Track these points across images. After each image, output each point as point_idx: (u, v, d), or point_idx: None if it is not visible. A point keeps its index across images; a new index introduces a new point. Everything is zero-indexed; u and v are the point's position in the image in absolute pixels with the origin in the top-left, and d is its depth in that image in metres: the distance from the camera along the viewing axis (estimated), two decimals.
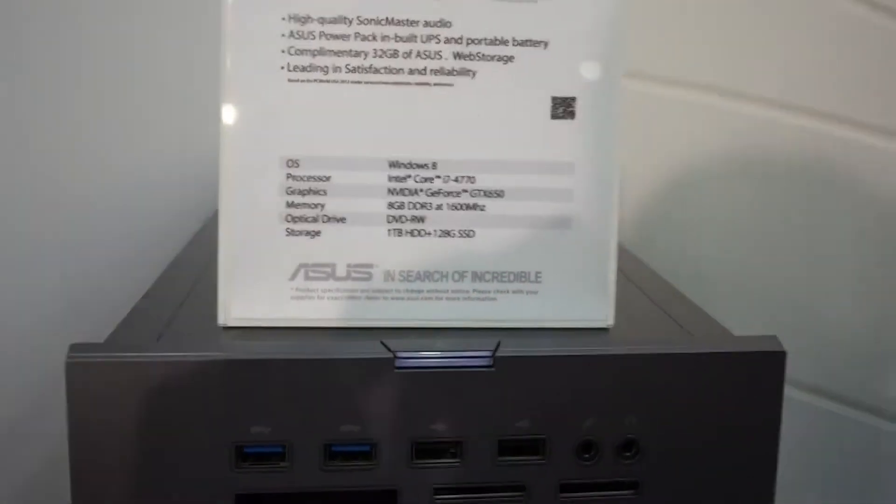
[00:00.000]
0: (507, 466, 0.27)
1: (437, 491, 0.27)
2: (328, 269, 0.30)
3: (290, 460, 0.26)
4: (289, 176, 0.29)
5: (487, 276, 0.30)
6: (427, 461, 0.27)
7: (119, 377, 0.25)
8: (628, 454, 0.27)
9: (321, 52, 0.29)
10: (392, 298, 0.30)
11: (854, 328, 0.61)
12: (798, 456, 0.61)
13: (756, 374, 0.28)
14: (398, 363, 0.26)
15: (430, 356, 0.27)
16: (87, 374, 0.25)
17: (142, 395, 0.25)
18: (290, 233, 0.30)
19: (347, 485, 0.27)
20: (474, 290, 0.30)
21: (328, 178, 0.29)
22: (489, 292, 0.30)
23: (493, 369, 0.27)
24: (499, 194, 0.30)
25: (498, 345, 0.27)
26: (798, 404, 0.61)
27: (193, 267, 0.36)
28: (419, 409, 0.27)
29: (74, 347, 0.26)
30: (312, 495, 0.27)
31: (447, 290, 0.30)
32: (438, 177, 0.30)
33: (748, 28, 0.58)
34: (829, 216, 0.60)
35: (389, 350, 0.26)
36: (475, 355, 0.27)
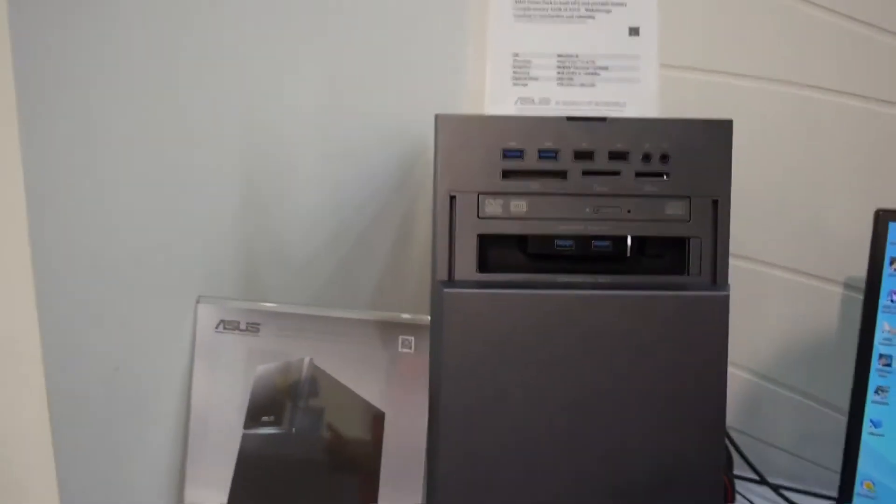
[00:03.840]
0: (615, 162, 0.63)
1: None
2: (532, 99, 0.68)
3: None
4: (514, 61, 0.68)
5: (601, 104, 0.68)
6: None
7: None
8: (665, 159, 0.63)
9: (528, 9, 0.69)
10: (558, 113, 0.68)
11: None
12: None
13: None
14: (569, 119, 0.64)
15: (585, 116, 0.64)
16: None
17: None
18: (515, 84, 0.68)
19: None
20: (597, 109, 0.68)
21: (530, 62, 0.68)
22: (602, 110, 0.68)
23: (605, 122, 0.64)
24: (605, 69, 0.68)
25: (605, 118, 0.64)
26: None
27: None
28: (579, 134, 0.63)
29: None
30: None
31: (584, 108, 0.68)
32: (579, 60, 0.68)
33: None
34: None
35: (570, 119, 0.64)
36: (600, 117, 0.64)
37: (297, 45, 0.82)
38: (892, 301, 0.76)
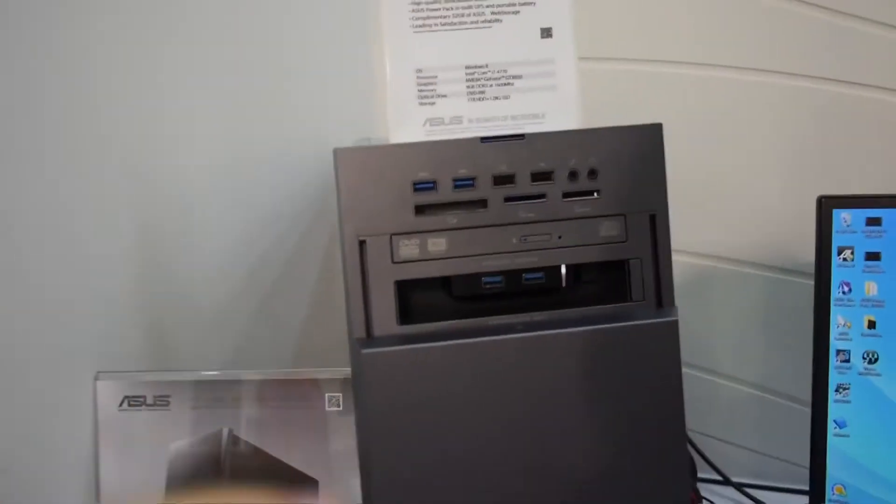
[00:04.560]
0: (539, 184, 0.57)
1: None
2: (441, 119, 0.61)
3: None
4: (418, 76, 0.61)
5: (519, 117, 0.61)
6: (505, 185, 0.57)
7: None
8: (594, 175, 0.57)
9: (427, 18, 0.61)
10: (472, 132, 0.61)
11: None
12: None
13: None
14: (483, 140, 0.57)
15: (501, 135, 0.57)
16: None
17: None
18: (421, 104, 0.61)
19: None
20: (514, 124, 0.61)
21: (436, 77, 0.61)
22: (520, 125, 0.61)
23: (524, 140, 0.57)
24: (518, 77, 0.61)
25: (524, 134, 0.57)
26: None
27: None
28: (496, 155, 0.56)
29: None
30: None
31: (500, 125, 0.61)
32: (489, 70, 0.61)
33: None
34: None
35: (485, 139, 0.57)
36: (518, 134, 0.57)
37: (196, 96, 0.74)
38: (843, 293, 0.72)
